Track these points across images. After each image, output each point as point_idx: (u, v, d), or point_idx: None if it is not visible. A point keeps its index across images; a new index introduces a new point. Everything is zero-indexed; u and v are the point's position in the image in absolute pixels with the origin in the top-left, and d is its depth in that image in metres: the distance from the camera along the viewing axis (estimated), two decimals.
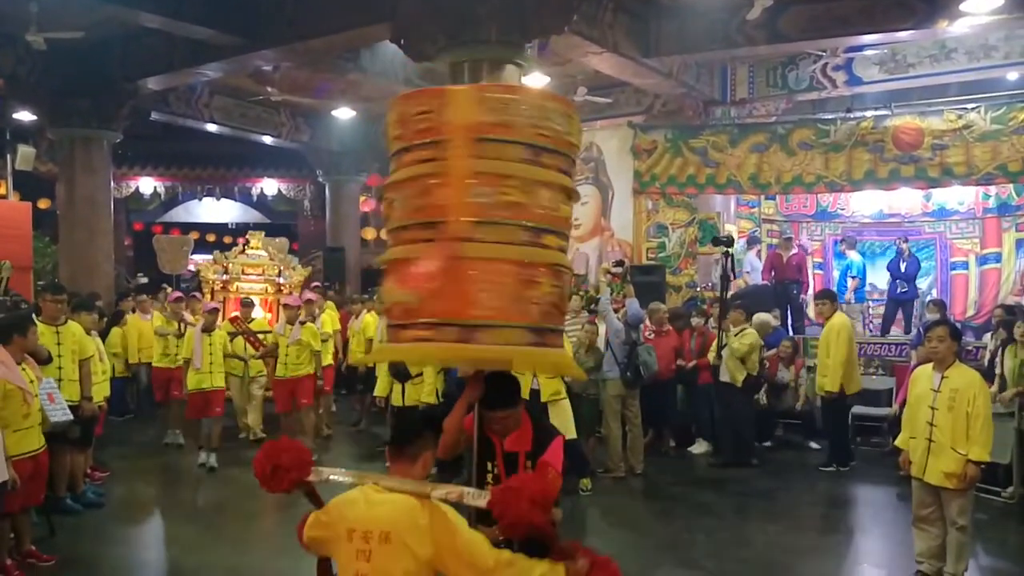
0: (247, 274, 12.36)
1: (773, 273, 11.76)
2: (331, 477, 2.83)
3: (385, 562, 2.47)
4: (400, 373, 7.87)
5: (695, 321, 9.74)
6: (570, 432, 7.32)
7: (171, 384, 9.44)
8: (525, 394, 5.70)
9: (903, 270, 11.39)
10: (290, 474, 2.73)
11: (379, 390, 8.45)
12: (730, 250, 9.25)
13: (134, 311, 11.06)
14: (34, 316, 6.41)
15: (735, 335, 8.63)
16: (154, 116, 13.70)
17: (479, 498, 2.50)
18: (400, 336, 3.05)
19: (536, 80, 11.82)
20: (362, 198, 18.79)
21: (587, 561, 2.57)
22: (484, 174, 2.88)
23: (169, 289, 12.81)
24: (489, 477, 3.64)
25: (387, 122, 3.20)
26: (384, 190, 3.26)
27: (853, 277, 12.48)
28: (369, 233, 19.40)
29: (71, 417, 5.78)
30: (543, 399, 7.02)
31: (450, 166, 2.89)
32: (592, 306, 9.25)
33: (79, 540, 6.12)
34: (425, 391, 7.73)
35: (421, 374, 7.70)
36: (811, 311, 12.68)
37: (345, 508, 2.61)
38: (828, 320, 8.39)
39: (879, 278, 12.67)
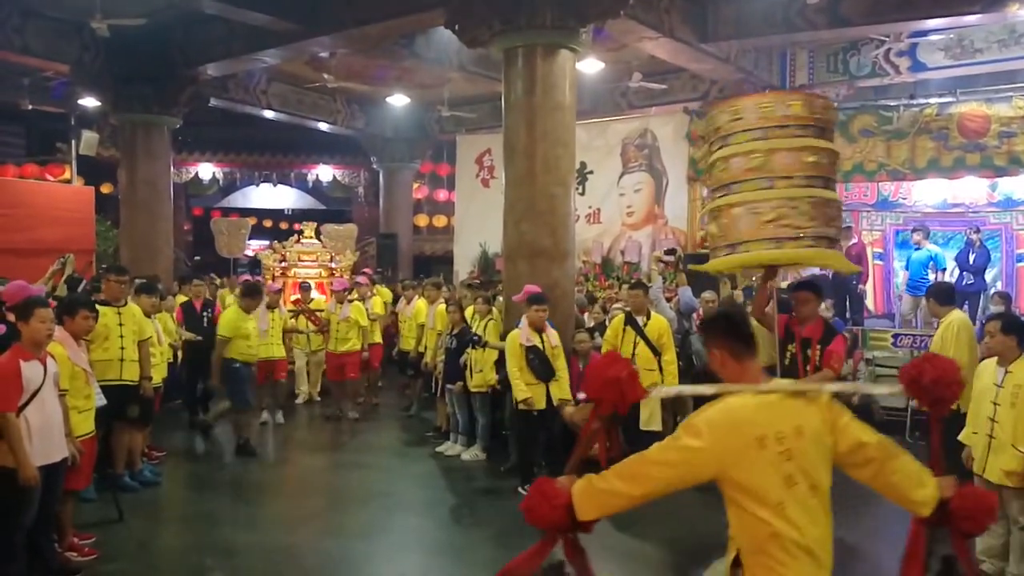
0: (303, 261, 13.33)
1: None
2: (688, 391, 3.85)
3: (804, 456, 2.54)
4: (543, 370, 7.15)
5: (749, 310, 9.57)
6: (656, 424, 7.30)
7: None
8: None
9: (972, 262, 11.02)
10: (634, 388, 2.74)
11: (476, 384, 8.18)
12: None
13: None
14: (93, 299, 6.54)
15: None
16: (213, 102, 13.94)
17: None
18: (714, 254, 5.53)
19: (590, 66, 11.73)
20: (415, 185, 18.91)
21: (955, 483, 2.71)
22: (732, 156, 5.18)
23: (218, 278, 13.32)
24: (788, 356, 5.67)
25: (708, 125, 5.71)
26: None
27: (940, 270, 11.75)
28: (421, 220, 19.51)
29: (104, 402, 5.86)
30: None
31: (716, 155, 5.30)
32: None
33: (135, 517, 6.27)
34: (564, 390, 7.13)
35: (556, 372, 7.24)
36: (870, 302, 12.41)
37: (746, 416, 2.56)
38: (943, 319, 6.79)
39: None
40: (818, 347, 5.68)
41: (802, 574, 2.49)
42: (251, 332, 8.55)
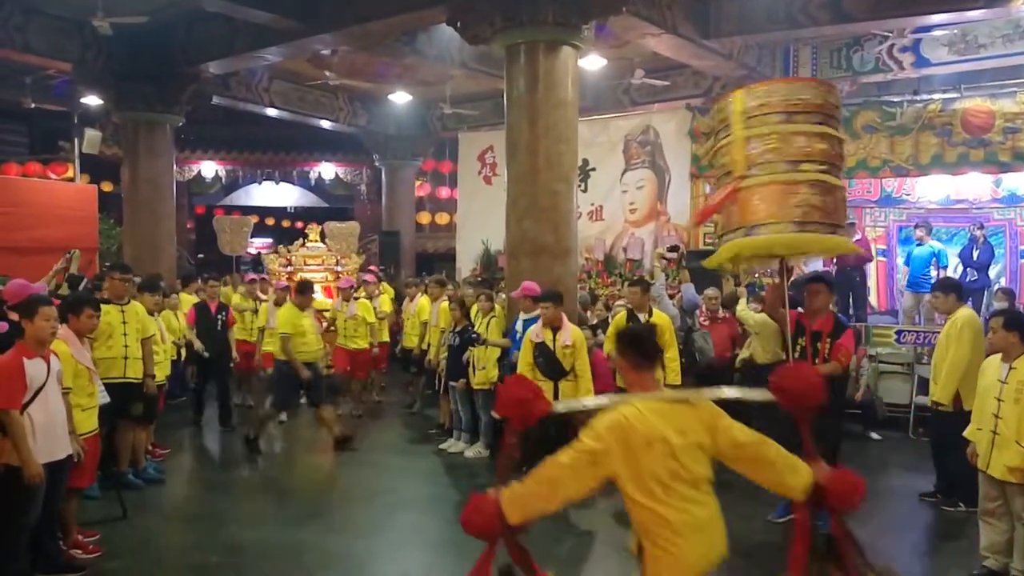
0: (308, 264, 13.31)
1: (835, 260, 11.46)
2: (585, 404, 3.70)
3: (686, 454, 2.93)
4: (549, 368, 7.16)
5: (752, 307, 9.55)
6: None
7: (249, 355, 10.07)
8: None
9: (976, 258, 10.97)
10: (538, 404, 3.10)
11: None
12: None
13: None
14: (96, 297, 6.55)
15: None
16: (215, 101, 13.95)
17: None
18: (723, 240, 5.39)
19: (593, 62, 11.71)
20: (417, 182, 18.90)
21: (830, 470, 3.05)
22: (753, 137, 5.08)
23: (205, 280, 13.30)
24: (798, 350, 5.76)
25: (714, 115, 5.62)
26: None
27: (942, 267, 11.62)
28: (424, 217, 19.52)
29: (108, 400, 5.87)
30: None
31: (734, 136, 5.17)
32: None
33: (139, 515, 6.28)
34: (583, 390, 7.09)
35: (572, 370, 7.16)
36: (874, 299, 12.37)
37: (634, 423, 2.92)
38: (951, 315, 6.66)
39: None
40: (828, 340, 5.81)
41: (693, 549, 2.89)
42: (307, 329, 8.47)
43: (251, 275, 11.73)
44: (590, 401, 4.17)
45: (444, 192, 19.31)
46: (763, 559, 5.46)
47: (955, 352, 6.38)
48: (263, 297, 10.62)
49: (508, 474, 3.09)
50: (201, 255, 20.56)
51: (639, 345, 3.16)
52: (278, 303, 9.55)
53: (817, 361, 5.83)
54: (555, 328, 7.18)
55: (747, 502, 6.46)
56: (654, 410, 2.96)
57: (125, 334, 6.68)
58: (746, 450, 3.02)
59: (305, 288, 8.76)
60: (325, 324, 10.67)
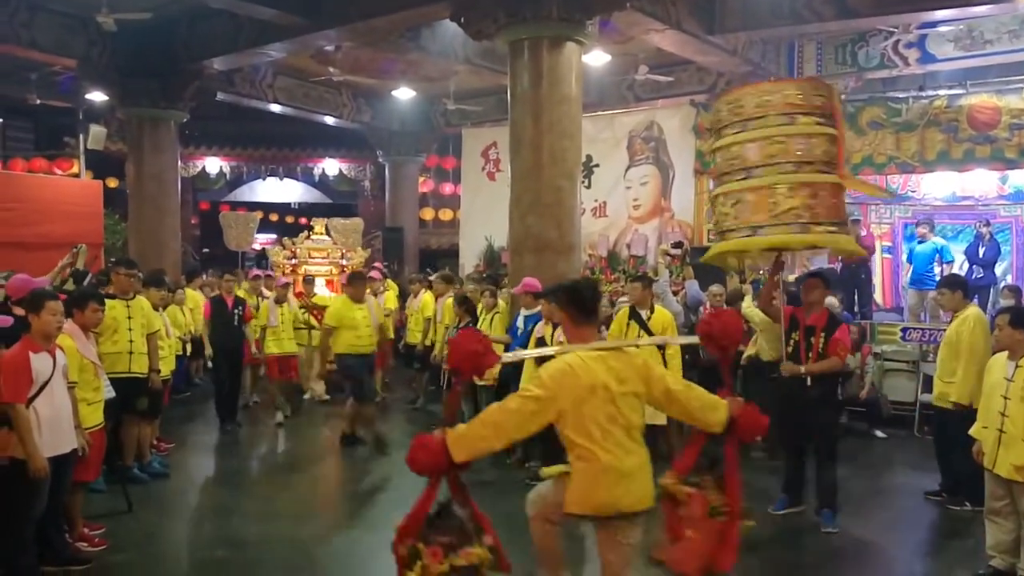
0: (313, 258, 13.12)
1: (840, 256, 11.42)
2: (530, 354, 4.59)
3: (623, 400, 3.33)
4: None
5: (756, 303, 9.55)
6: (660, 418, 7.26)
7: (250, 350, 9.92)
8: None
9: (982, 255, 10.93)
10: (488, 357, 3.35)
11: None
12: None
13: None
14: (102, 292, 6.56)
15: None
16: (219, 97, 13.95)
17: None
18: (726, 237, 5.62)
19: (596, 58, 11.69)
20: (420, 178, 18.89)
21: (740, 404, 3.54)
22: (753, 140, 5.39)
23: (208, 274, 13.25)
24: (791, 343, 5.91)
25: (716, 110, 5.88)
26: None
27: (946, 263, 11.56)
28: (427, 213, 19.51)
29: (113, 394, 5.89)
30: None
31: (737, 138, 5.48)
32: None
33: (144, 509, 6.30)
34: None
35: None
36: (879, 296, 12.33)
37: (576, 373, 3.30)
38: (959, 313, 6.52)
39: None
40: (822, 335, 5.89)
41: (617, 489, 3.27)
42: (359, 322, 8.22)
43: (255, 271, 11.64)
44: (535, 352, 4.66)
45: (447, 188, 19.30)
46: (764, 550, 5.47)
47: (970, 352, 6.21)
48: (267, 294, 10.53)
49: (454, 420, 3.40)
50: (206, 250, 20.58)
51: (579, 301, 3.48)
52: (278, 300, 9.51)
53: (811, 356, 5.89)
54: (555, 324, 7.18)
55: (751, 498, 6.46)
56: (596, 359, 3.31)
57: (130, 329, 6.69)
58: (676, 396, 3.45)
59: (356, 278, 8.53)
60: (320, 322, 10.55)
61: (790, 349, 5.96)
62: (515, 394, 3.32)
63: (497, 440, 3.25)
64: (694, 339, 3.77)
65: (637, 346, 3.55)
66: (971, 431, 5.24)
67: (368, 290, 10.14)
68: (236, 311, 9.29)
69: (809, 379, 5.90)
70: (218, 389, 9.31)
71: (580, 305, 3.46)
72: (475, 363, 3.29)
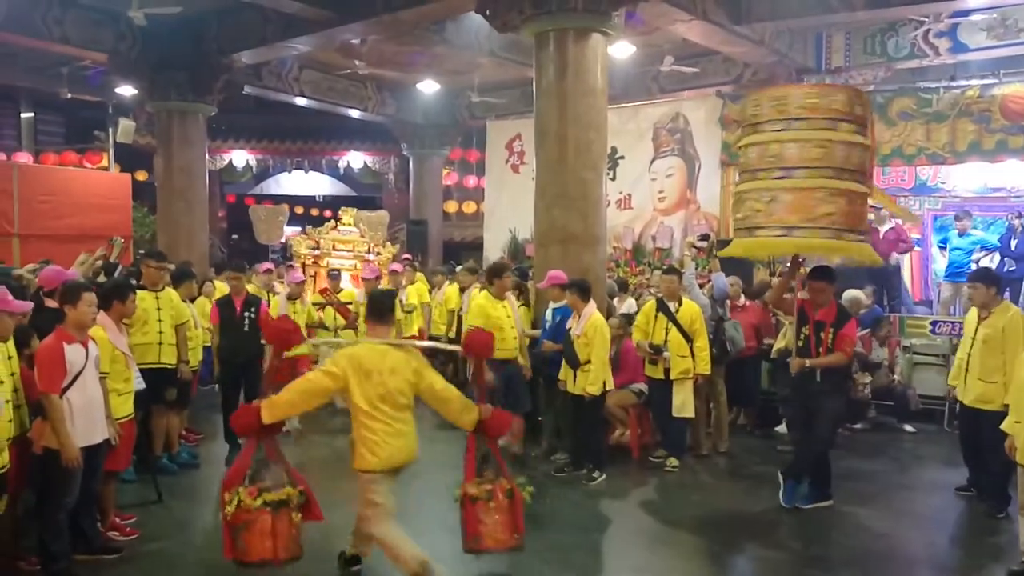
0: (338, 249, 12.83)
1: (859, 263, 11.21)
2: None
3: (394, 385, 4.38)
4: (569, 355, 7.05)
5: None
6: (689, 411, 7.36)
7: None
8: (660, 374, 7.38)
9: (1014, 248, 10.77)
10: (295, 335, 4.63)
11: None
12: None
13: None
14: (133, 282, 6.65)
15: None
16: (247, 90, 14.05)
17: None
18: (755, 234, 5.74)
19: (622, 50, 11.63)
20: (445, 171, 18.92)
21: (490, 409, 4.64)
22: (795, 141, 5.51)
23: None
24: (802, 338, 6.09)
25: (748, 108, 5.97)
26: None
27: (993, 250, 11.18)
28: (451, 206, 19.54)
29: (143, 386, 5.94)
30: (672, 377, 7.31)
31: (780, 136, 5.61)
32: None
33: (174, 499, 6.39)
34: (590, 380, 6.85)
35: (589, 361, 6.88)
36: (908, 289, 12.16)
37: (358, 359, 4.37)
38: (993, 309, 6.22)
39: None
40: (830, 330, 5.98)
41: (392, 452, 4.37)
42: (504, 323, 7.22)
43: (266, 265, 10.38)
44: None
45: (472, 181, 19.32)
46: (791, 544, 5.45)
47: (1014, 349, 5.83)
48: (279, 290, 9.89)
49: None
50: (235, 236, 20.75)
51: (375, 307, 4.63)
52: (291, 297, 9.25)
53: (820, 350, 5.98)
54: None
55: (762, 491, 6.47)
56: (378, 351, 4.38)
57: (160, 320, 6.79)
58: (438, 393, 4.52)
59: (499, 271, 7.55)
60: (348, 320, 9.88)
61: (801, 343, 6.10)
62: (317, 369, 4.59)
63: (303, 404, 4.40)
64: (456, 347, 5.44)
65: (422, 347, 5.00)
66: (1003, 425, 5.16)
67: (405, 282, 10.13)
68: (247, 313, 7.75)
69: (818, 373, 6.02)
70: (225, 409, 7.66)
71: (374, 311, 4.59)
72: (284, 339, 4.54)
